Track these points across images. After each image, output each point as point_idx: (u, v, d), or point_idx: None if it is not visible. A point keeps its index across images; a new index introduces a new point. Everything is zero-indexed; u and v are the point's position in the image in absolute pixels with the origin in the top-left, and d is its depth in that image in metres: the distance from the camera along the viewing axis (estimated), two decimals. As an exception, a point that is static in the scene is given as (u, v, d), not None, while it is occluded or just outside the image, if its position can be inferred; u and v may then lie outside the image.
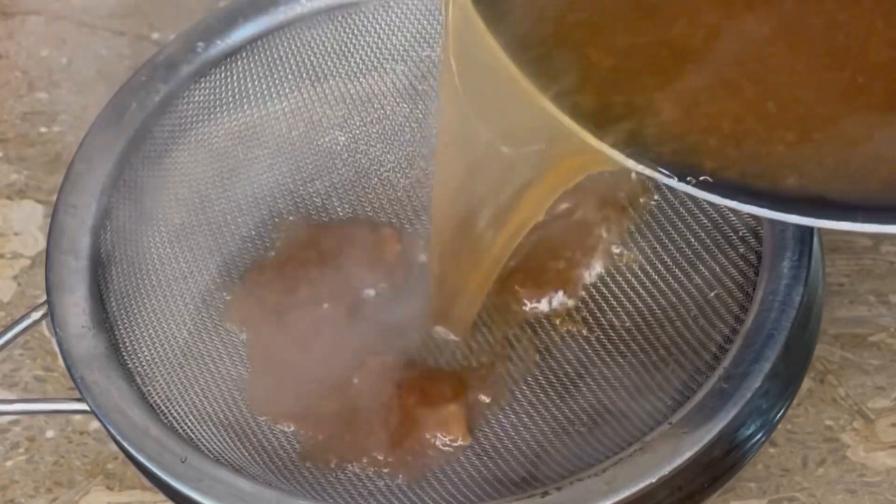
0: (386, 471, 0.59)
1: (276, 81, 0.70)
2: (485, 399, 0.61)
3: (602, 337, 0.63)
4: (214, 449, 0.58)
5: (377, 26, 0.70)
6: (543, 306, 0.64)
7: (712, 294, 0.61)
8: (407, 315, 0.64)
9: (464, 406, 0.61)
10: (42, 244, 0.71)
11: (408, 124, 0.71)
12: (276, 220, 0.69)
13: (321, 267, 0.66)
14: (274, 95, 0.70)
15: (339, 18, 0.70)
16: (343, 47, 0.70)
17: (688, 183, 0.47)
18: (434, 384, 0.61)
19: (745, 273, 0.60)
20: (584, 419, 0.60)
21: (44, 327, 0.66)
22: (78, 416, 0.65)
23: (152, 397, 0.59)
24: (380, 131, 0.71)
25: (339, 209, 0.69)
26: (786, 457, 0.62)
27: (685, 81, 0.49)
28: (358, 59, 0.71)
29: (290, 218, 0.69)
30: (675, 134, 0.48)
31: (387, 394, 0.61)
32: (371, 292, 0.64)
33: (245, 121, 0.70)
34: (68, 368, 0.58)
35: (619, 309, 0.64)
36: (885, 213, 0.46)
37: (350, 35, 0.70)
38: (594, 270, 0.64)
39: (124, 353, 0.60)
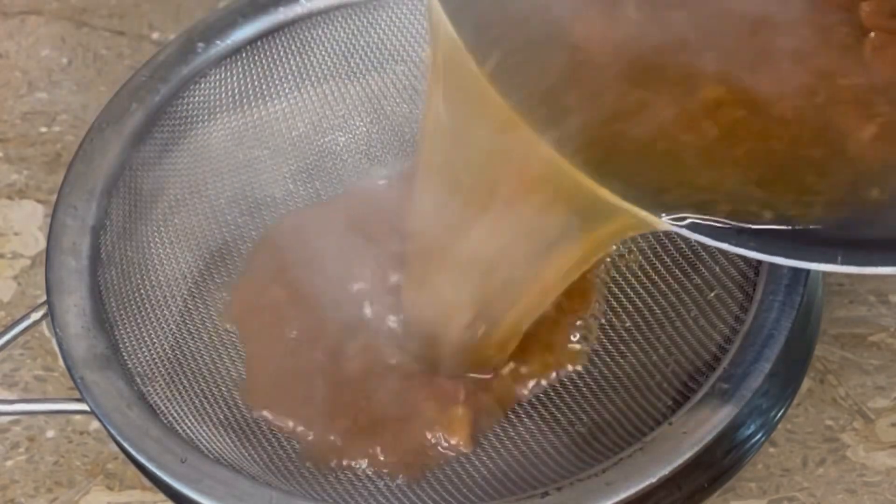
0: (385, 471, 0.59)
1: (276, 81, 0.70)
2: (487, 401, 0.61)
3: (602, 337, 0.63)
4: (214, 449, 0.58)
5: (377, 26, 0.70)
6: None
7: (712, 294, 0.61)
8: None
9: (471, 410, 0.60)
10: (42, 244, 0.71)
11: (407, 124, 0.71)
12: (276, 219, 0.69)
13: (321, 266, 0.66)
14: (274, 95, 0.70)
15: (339, 18, 0.70)
16: (343, 47, 0.70)
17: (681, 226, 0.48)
18: (446, 382, 0.61)
19: (745, 273, 0.60)
20: (584, 420, 0.60)
21: (44, 327, 0.66)
22: (78, 416, 0.65)
23: (152, 397, 0.59)
24: (379, 131, 0.71)
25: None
26: (786, 457, 0.62)
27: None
28: (358, 59, 0.71)
29: (290, 217, 0.69)
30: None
31: (393, 388, 0.61)
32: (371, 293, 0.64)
33: (245, 121, 0.70)
34: (68, 368, 0.58)
35: (619, 309, 0.64)
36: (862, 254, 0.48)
37: (350, 35, 0.70)
38: (594, 271, 0.64)
39: (124, 353, 0.60)
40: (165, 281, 0.65)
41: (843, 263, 0.48)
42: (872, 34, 0.51)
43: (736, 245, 0.48)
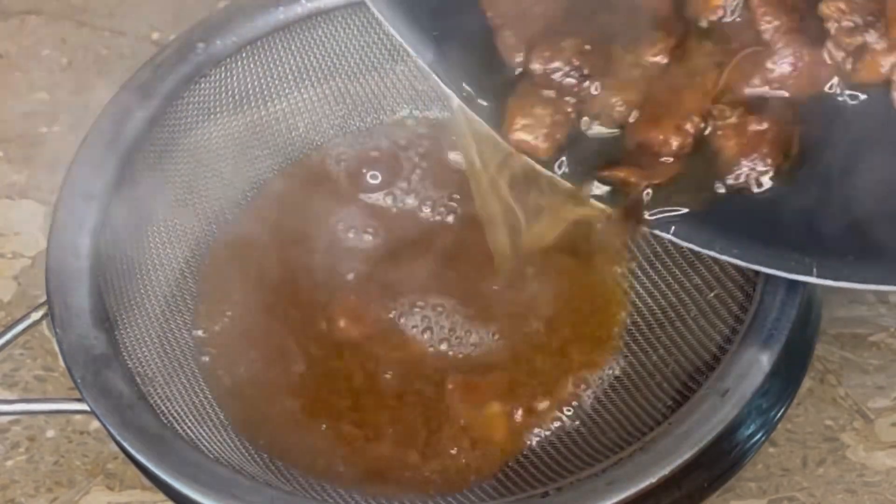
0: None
1: (276, 81, 0.70)
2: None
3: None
4: (214, 449, 0.58)
5: (377, 26, 0.70)
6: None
7: (712, 294, 0.61)
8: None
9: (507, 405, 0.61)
10: (42, 244, 0.71)
11: (407, 124, 0.71)
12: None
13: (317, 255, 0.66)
14: (274, 95, 0.70)
15: (339, 18, 0.70)
16: (343, 47, 0.70)
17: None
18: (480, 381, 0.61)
19: (745, 273, 0.60)
20: (584, 419, 0.60)
21: (44, 327, 0.66)
22: (78, 416, 0.65)
23: (152, 397, 0.59)
24: (380, 131, 0.71)
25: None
26: (786, 456, 0.62)
27: None
28: (358, 59, 0.71)
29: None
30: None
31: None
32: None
33: (245, 121, 0.70)
34: (68, 368, 0.58)
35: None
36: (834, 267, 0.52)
37: (350, 35, 0.70)
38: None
39: (124, 353, 0.60)
40: (165, 280, 0.65)
41: (818, 276, 0.52)
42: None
43: (720, 252, 0.52)
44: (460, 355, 0.62)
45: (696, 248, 0.53)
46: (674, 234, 0.53)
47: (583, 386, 0.61)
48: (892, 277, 0.52)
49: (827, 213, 0.53)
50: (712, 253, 0.52)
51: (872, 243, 0.52)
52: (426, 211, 0.68)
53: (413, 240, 0.67)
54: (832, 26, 0.53)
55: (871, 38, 0.53)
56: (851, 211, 0.52)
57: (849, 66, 0.53)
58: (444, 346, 0.63)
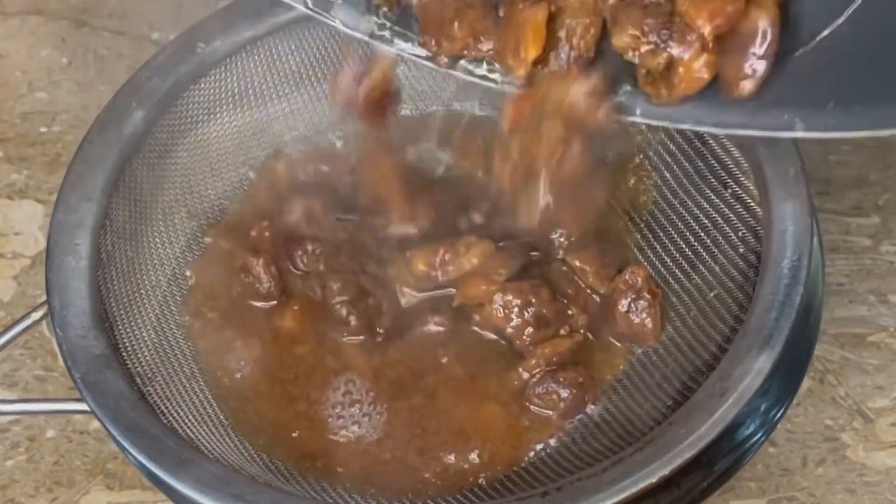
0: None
1: (276, 81, 0.70)
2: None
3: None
4: (214, 449, 0.58)
5: (377, 26, 0.70)
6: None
7: (712, 294, 0.61)
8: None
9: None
10: (42, 244, 0.71)
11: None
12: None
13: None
14: (274, 95, 0.70)
15: (339, 19, 0.70)
16: (343, 47, 0.70)
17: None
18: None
19: (745, 273, 0.60)
20: (584, 419, 0.60)
21: (44, 327, 0.66)
22: (78, 416, 0.65)
23: (152, 397, 0.59)
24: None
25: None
26: (785, 456, 0.62)
27: None
28: (358, 60, 0.71)
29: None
30: None
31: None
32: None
33: (245, 121, 0.70)
34: (68, 368, 0.58)
35: (619, 309, 0.64)
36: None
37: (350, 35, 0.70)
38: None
39: (124, 353, 0.60)
40: (165, 281, 0.65)
41: (805, 130, 0.49)
42: None
43: (696, 124, 0.51)
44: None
45: (670, 125, 0.51)
46: (640, 116, 0.51)
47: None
48: (880, 120, 0.48)
49: (795, 61, 0.50)
50: (686, 126, 0.51)
51: (852, 87, 0.49)
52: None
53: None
54: (633, 56, 0.51)
55: (676, 49, 0.50)
56: (821, 56, 0.49)
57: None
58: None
